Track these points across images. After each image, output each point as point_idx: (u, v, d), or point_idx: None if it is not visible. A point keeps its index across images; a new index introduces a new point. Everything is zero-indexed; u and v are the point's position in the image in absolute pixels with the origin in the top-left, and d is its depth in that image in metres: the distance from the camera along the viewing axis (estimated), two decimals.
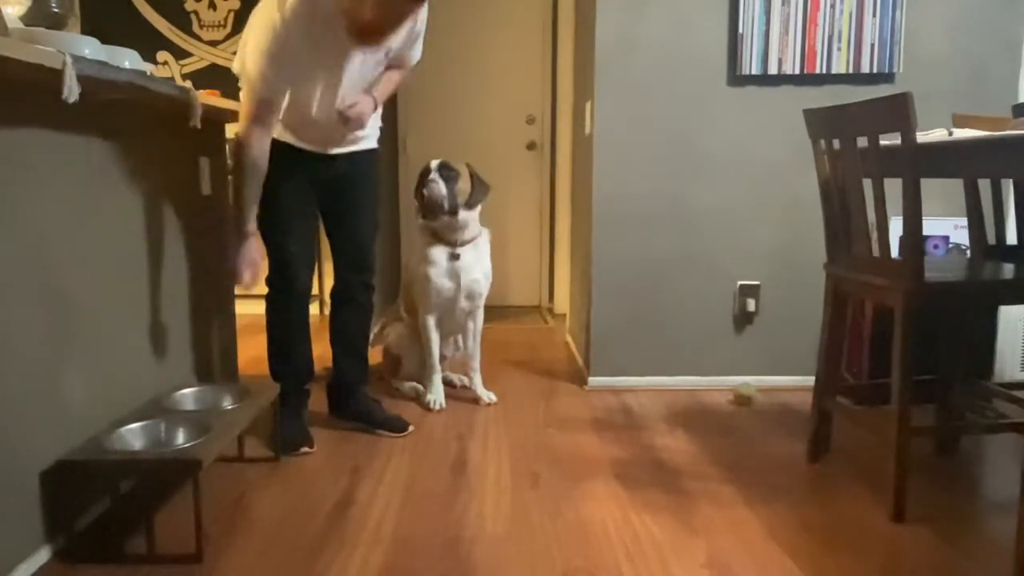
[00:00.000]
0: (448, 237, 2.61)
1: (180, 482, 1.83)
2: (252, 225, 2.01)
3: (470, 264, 2.64)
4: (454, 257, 2.61)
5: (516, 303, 4.75)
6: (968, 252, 2.38)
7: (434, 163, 2.59)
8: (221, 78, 4.15)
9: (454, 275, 2.62)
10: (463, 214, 2.59)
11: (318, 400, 2.47)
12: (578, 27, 3.60)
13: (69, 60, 1.36)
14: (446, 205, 2.53)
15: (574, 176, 3.70)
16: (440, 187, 2.53)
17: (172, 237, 2.13)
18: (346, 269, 2.35)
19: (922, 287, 1.72)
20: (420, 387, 2.76)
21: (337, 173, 2.23)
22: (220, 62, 4.27)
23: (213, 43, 4.30)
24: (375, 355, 3.22)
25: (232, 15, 4.27)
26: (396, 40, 2.03)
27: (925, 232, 1.75)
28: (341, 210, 2.29)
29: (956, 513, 1.81)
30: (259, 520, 1.78)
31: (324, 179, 2.22)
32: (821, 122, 1.97)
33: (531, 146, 4.65)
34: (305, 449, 2.20)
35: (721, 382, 2.89)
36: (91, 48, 1.59)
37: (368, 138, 2.29)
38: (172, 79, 4.18)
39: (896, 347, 1.75)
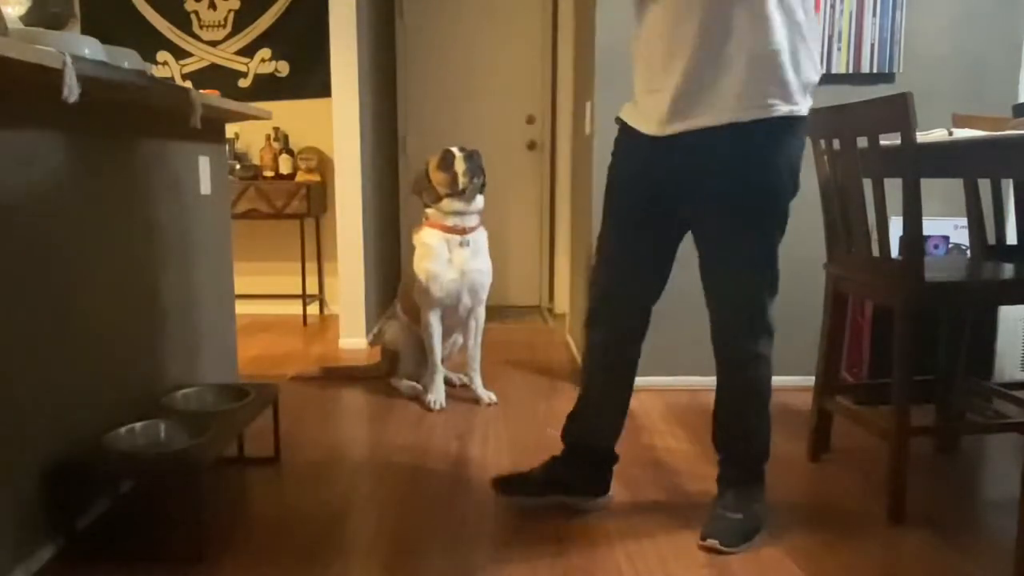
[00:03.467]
0: (459, 223, 2.63)
1: (180, 482, 1.83)
2: None
3: (473, 254, 2.66)
4: (464, 243, 2.63)
5: (516, 303, 4.75)
6: (968, 252, 2.38)
7: (454, 148, 2.62)
8: (221, 78, 4.16)
9: (457, 266, 2.62)
10: (479, 197, 2.66)
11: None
12: (578, 27, 3.59)
13: (69, 60, 1.36)
14: (477, 181, 2.60)
15: (574, 176, 3.69)
16: (475, 161, 2.59)
17: (172, 237, 2.13)
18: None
19: (922, 287, 1.72)
20: (419, 387, 2.76)
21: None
22: (220, 62, 4.25)
23: (213, 43, 4.29)
24: (374, 354, 3.22)
25: (232, 15, 4.26)
26: None
27: (925, 232, 1.75)
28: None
29: (956, 513, 1.81)
30: (259, 520, 1.78)
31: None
32: (821, 122, 1.97)
33: (531, 146, 4.65)
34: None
35: None
36: (91, 48, 1.59)
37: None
38: (172, 79, 4.18)
39: (896, 347, 1.75)
